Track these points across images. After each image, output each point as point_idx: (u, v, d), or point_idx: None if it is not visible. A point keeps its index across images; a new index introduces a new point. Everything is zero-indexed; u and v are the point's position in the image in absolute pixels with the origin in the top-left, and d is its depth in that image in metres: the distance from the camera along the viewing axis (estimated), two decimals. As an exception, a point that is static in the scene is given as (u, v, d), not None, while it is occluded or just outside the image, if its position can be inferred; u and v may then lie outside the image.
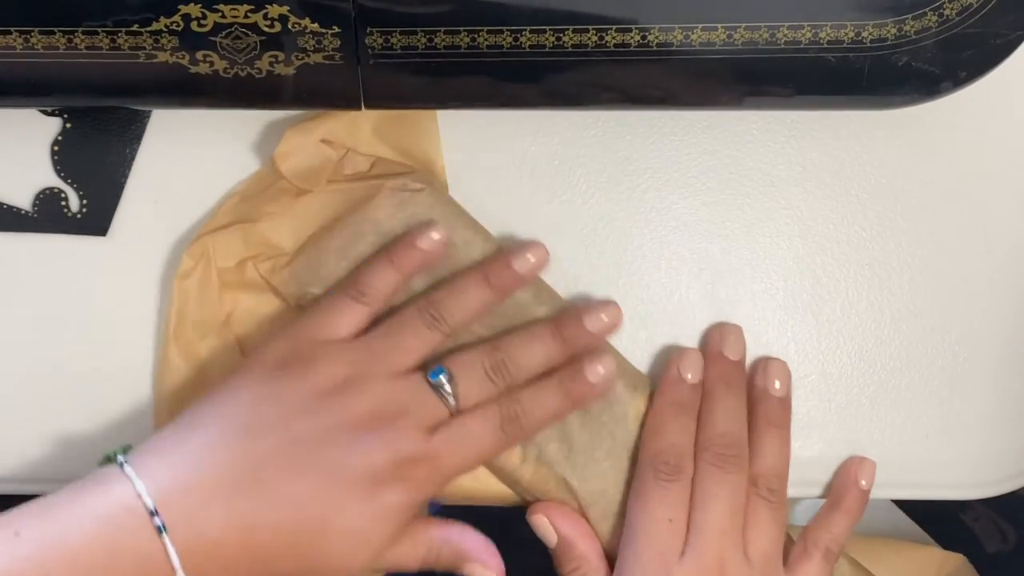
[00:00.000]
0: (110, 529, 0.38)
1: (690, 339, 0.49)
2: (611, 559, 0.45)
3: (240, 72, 0.41)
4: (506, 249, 0.45)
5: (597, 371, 0.44)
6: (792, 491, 0.49)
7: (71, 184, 0.47)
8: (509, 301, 0.45)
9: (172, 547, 0.38)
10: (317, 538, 0.40)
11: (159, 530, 0.38)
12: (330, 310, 0.44)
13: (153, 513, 0.38)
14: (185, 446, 0.40)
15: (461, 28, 0.40)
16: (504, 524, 0.45)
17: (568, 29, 0.40)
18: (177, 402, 0.46)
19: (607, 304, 0.45)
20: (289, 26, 0.40)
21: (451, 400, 0.42)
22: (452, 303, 0.44)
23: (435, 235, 0.44)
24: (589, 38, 0.40)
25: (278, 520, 0.39)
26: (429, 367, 0.43)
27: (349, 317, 0.43)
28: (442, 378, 0.42)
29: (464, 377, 0.43)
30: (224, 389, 0.42)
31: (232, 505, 0.39)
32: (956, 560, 0.52)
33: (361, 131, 0.46)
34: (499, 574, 0.43)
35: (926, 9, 0.40)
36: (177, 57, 0.40)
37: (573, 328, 0.44)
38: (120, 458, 0.40)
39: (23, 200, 0.47)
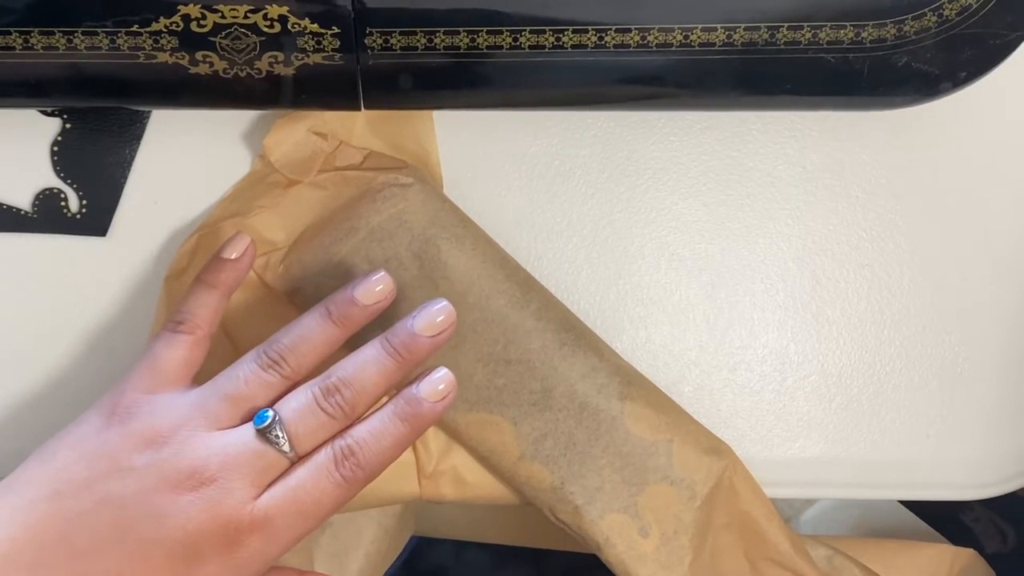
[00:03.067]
0: None
1: (690, 339, 0.49)
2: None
3: (240, 72, 0.41)
4: (350, 283, 0.41)
5: (436, 390, 0.39)
6: (793, 491, 0.49)
7: (71, 184, 0.47)
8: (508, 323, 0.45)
9: None
10: None
11: None
12: (152, 350, 0.40)
13: None
14: None
15: (461, 28, 0.40)
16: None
17: (568, 29, 0.40)
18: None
19: (438, 305, 0.40)
20: (289, 26, 0.40)
21: (283, 444, 0.37)
22: (293, 342, 0.39)
23: (240, 244, 0.42)
24: (589, 38, 0.40)
25: None
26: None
27: (173, 351, 0.40)
28: (268, 420, 0.38)
29: (293, 413, 0.38)
30: (50, 445, 0.39)
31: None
32: (967, 555, 0.52)
33: (355, 123, 0.46)
34: None
35: (926, 9, 0.40)
36: (177, 57, 0.40)
37: (404, 336, 0.39)
38: None
39: (23, 200, 0.47)
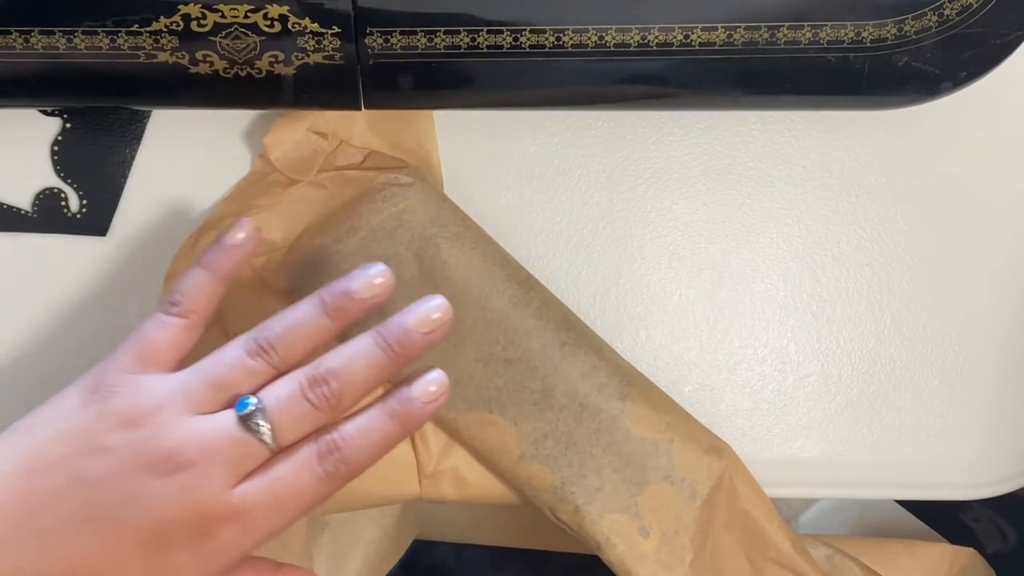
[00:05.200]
0: None
1: (690, 339, 0.49)
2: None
3: (240, 72, 0.41)
4: (347, 274, 0.39)
5: (429, 391, 0.38)
6: (792, 492, 0.49)
7: (71, 184, 0.47)
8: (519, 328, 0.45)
9: None
10: None
11: None
12: (144, 331, 0.39)
13: None
14: None
15: (461, 28, 0.40)
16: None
17: (568, 29, 0.40)
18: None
19: (433, 301, 0.38)
20: (289, 26, 0.40)
21: (264, 433, 0.36)
22: (283, 331, 0.38)
23: (244, 230, 0.40)
24: (589, 38, 0.40)
25: (48, 574, 0.35)
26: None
27: (163, 332, 0.38)
28: (250, 407, 0.36)
29: (277, 402, 0.36)
30: (27, 420, 0.37)
31: (1, 552, 0.35)
32: (966, 555, 0.53)
33: (355, 123, 0.46)
34: None
35: (926, 9, 0.40)
36: (177, 57, 0.40)
37: (397, 331, 0.38)
38: None
39: (23, 200, 0.47)
